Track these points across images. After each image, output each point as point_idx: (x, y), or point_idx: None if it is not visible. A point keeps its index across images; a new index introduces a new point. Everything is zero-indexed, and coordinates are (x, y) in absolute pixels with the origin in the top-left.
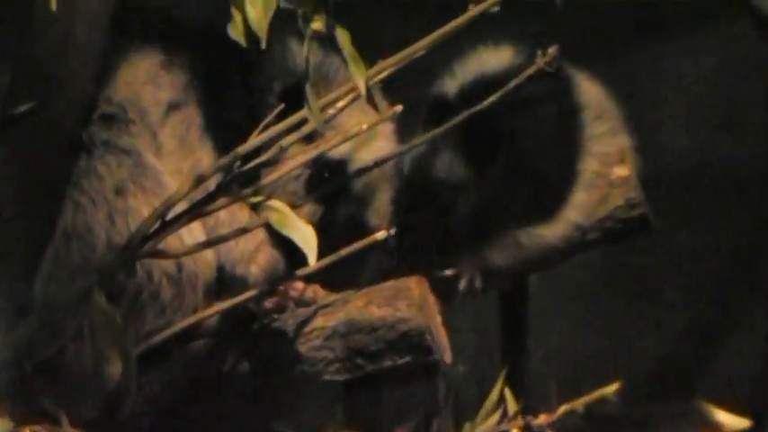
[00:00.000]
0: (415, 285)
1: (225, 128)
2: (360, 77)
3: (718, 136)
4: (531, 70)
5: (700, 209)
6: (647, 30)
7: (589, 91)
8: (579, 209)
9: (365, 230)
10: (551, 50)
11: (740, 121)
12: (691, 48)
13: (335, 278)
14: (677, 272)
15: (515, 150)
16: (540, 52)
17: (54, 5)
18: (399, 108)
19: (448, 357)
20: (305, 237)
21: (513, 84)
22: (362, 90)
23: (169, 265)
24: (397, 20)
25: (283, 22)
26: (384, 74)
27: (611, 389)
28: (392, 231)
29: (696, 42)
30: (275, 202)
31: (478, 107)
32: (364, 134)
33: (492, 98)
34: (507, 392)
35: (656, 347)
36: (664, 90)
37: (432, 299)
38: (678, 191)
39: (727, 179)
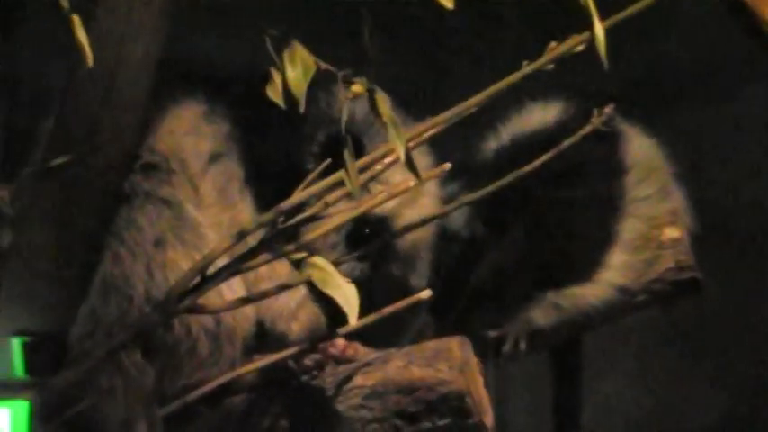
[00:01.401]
0: (456, 346)
1: (265, 180)
2: (399, 143)
3: None
4: (586, 129)
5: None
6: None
7: (640, 149)
8: (620, 270)
9: (407, 290)
10: (607, 109)
11: None
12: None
13: (376, 337)
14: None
15: (546, 210)
16: (595, 110)
17: (90, 62)
18: (447, 166)
19: (489, 420)
20: (346, 295)
21: (565, 144)
22: (401, 156)
23: (207, 319)
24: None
25: (327, 73)
26: (428, 134)
27: None
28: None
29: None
30: (317, 259)
31: (528, 167)
32: (410, 192)
33: (542, 159)
34: None
35: (711, 406)
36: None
37: (474, 360)
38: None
39: None
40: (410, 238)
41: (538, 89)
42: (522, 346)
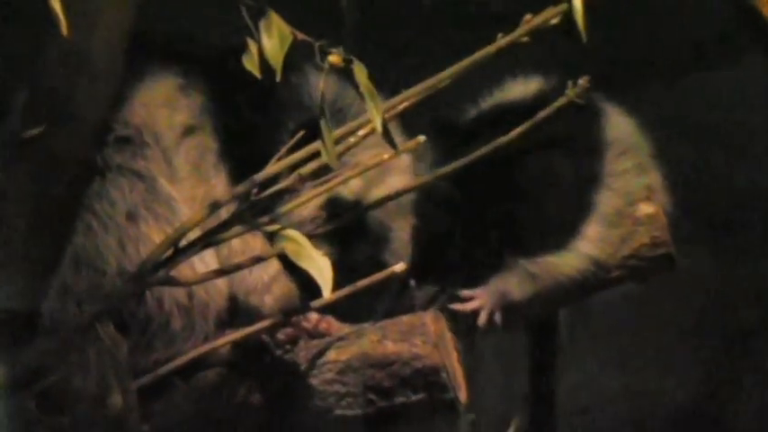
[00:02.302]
0: (431, 321)
1: (239, 156)
2: (376, 114)
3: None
4: (560, 102)
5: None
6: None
7: (619, 126)
8: (596, 242)
9: (383, 268)
10: (582, 82)
11: None
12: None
13: (351, 313)
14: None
15: (524, 179)
16: (570, 83)
17: (65, 30)
18: (420, 139)
19: (464, 395)
20: (320, 268)
21: (541, 116)
22: (379, 127)
23: (180, 293)
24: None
25: (300, 53)
26: (402, 107)
27: None
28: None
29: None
30: (291, 232)
31: (505, 138)
32: (379, 171)
33: (519, 130)
34: None
35: (677, 388)
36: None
37: (448, 335)
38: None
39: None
40: (381, 216)
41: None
42: (498, 319)
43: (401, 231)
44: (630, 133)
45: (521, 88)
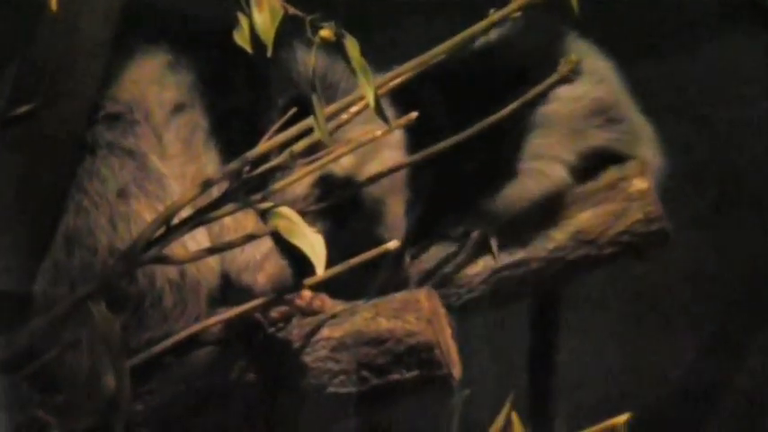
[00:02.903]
0: (424, 298)
1: (229, 133)
2: (368, 89)
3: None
4: (552, 79)
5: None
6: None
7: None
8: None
9: (378, 245)
10: (574, 57)
11: None
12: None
13: (344, 290)
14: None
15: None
16: (562, 60)
17: (54, 6)
18: (413, 116)
19: (457, 372)
20: (313, 245)
21: (533, 93)
22: (371, 102)
23: (172, 271)
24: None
25: (290, 29)
26: (394, 83)
27: (622, 419)
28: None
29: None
30: (284, 209)
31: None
32: (371, 147)
33: (511, 106)
34: (514, 417)
35: (674, 363)
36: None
37: (442, 311)
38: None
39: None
40: (375, 191)
41: None
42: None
43: (395, 205)
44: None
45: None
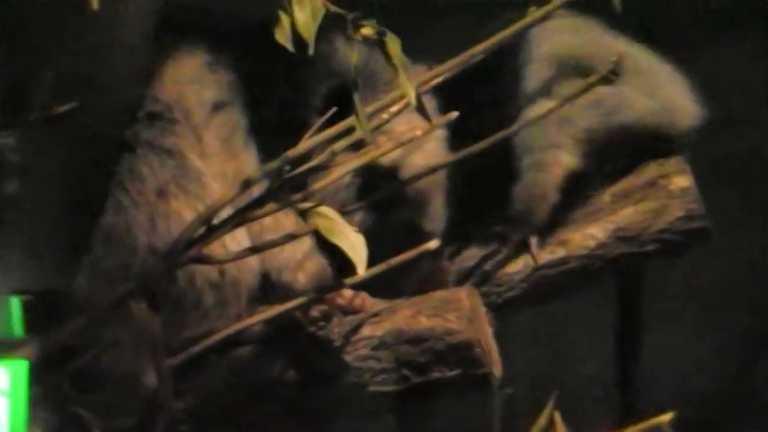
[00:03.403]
0: (465, 296)
1: (268, 130)
2: (409, 87)
3: None
4: (592, 80)
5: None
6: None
7: None
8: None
9: (419, 236)
10: (615, 59)
11: None
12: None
13: (384, 286)
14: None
15: None
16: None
17: (95, 5)
18: (454, 114)
19: (498, 370)
20: (354, 245)
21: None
22: (412, 100)
23: (212, 271)
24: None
25: (330, 22)
26: (435, 81)
27: (666, 418)
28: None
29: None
30: (324, 209)
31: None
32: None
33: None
34: (557, 417)
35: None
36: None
37: (482, 310)
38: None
39: None
40: (420, 183)
41: None
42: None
43: (436, 198)
44: None
45: None
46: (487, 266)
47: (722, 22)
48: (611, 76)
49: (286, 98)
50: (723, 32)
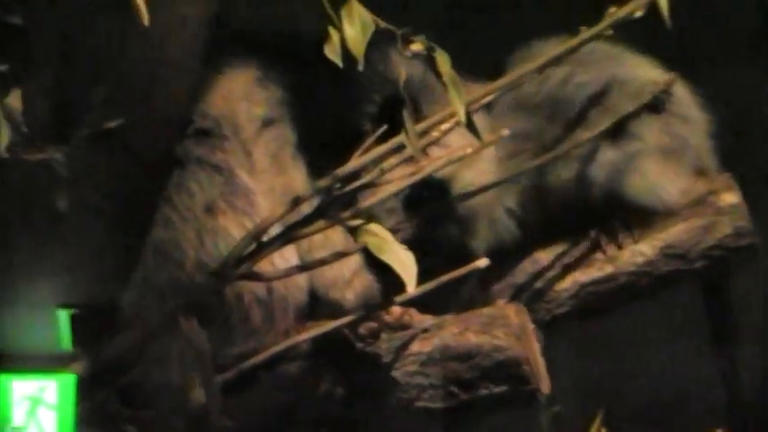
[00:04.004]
0: (513, 313)
1: (318, 145)
2: (459, 104)
3: None
4: (646, 99)
5: None
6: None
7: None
8: None
9: (467, 253)
10: (669, 77)
11: None
12: None
13: (431, 302)
14: None
15: None
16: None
17: (146, 21)
18: (505, 133)
19: (546, 387)
20: (403, 262)
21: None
22: (462, 117)
23: (259, 288)
24: None
25: (381, 34)
26: (487, 99)
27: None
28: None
29: None
30: (374, 226)
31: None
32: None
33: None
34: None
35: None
36: None
37: (530, 327)
38: None
39: None
40: (469, 201)
41: None
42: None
43: (487, 215)
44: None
45: None
46: (538, 283)
47: None
48: (657, 103)
49: (337, 112)
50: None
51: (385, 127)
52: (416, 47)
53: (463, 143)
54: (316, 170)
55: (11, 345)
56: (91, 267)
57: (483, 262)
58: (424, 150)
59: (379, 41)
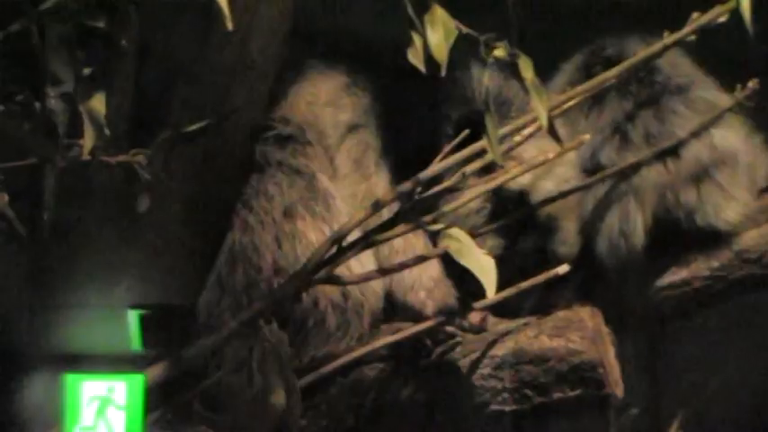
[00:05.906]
0: (588, 316)
1: (401, 153)
2: (542, 110)
3: None
4: (728, 104)
5: None
6: None
7: None
8: None
9: (552, 259)
10: (751, 84)
11: None
12: None
13: (506, 306)
14: None
15: None
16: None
17: (230, 25)
18: (585, 138)
19: (620, 391)
20: (484, 268)
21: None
22: (544, 122)
23: (335, 292)
24: None
25: (463, 46)
26: (568, 105)
27: None
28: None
29: None
30: (455, 231)
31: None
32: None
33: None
34: None
35: None
36: None
37: (605, 330)
38: None
39: None
40: (549, 207)
41: None
42: None
43: (570, 222)
44: None
45: None
46: None
47: None
48: (747, 102)
49: (421, 121)
50: None
51: (467, 132)
52: (499, 53)
53: (539, 153)
54: (400, 177)
55: (81, 345)
56: (163, 269)
57: (563, 268)
58: (503, 157)
59: (460, 60)
